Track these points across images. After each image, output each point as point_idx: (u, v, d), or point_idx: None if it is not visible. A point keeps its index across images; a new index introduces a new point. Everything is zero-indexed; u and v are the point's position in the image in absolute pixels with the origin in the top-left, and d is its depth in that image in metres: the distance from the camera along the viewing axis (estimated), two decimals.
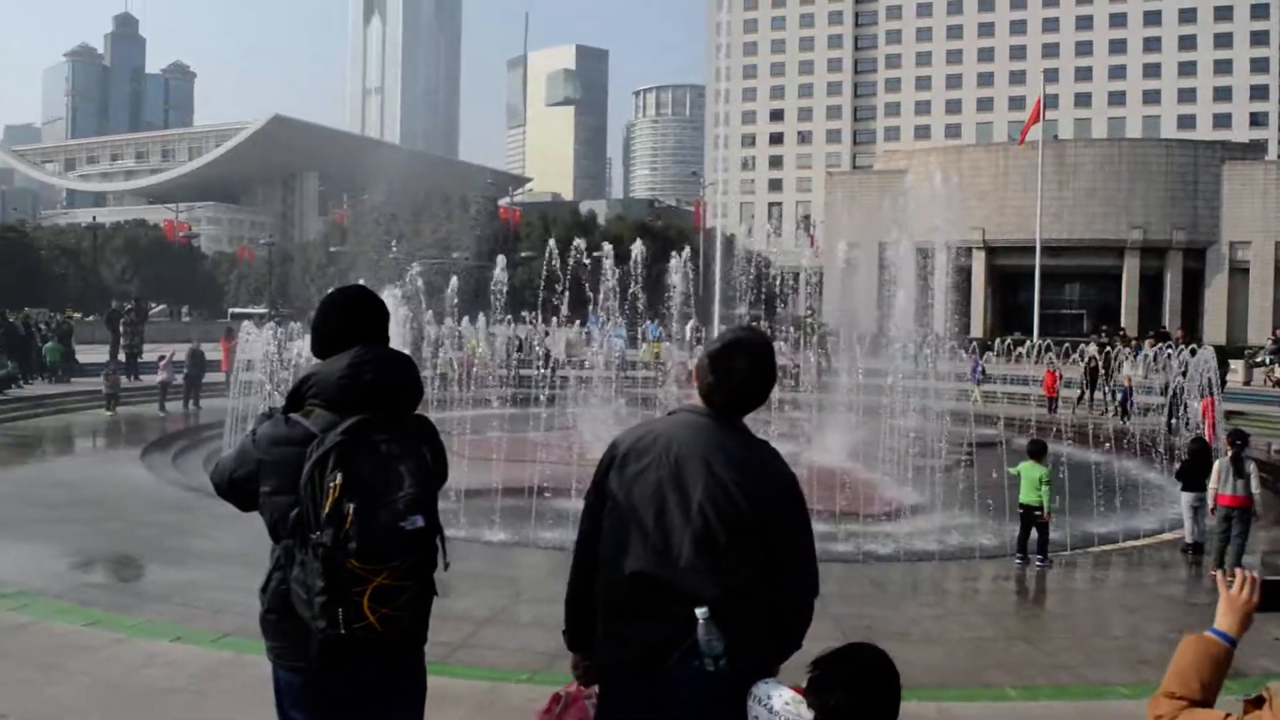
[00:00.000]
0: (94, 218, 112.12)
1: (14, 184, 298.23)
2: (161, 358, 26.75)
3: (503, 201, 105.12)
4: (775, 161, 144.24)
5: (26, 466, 17.39)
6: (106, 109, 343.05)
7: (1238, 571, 2.64)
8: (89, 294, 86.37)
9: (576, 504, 12.50)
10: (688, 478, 3.12)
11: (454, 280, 35.09)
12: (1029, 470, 12.01)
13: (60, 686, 6.53)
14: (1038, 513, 11.81)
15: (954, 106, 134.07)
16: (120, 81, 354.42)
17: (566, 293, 29.89)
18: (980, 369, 33.34)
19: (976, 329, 78.07)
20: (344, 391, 3.17)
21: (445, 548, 3.18)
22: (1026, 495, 11.93)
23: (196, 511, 13.80)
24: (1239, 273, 72.71)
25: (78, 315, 62.38)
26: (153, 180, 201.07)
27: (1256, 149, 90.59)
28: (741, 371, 3.20)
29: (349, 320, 3.38)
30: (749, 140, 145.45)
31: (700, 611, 2.98)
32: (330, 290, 3.53)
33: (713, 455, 3.14)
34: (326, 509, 2.92)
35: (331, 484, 2.93)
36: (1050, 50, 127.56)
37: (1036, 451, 12.21)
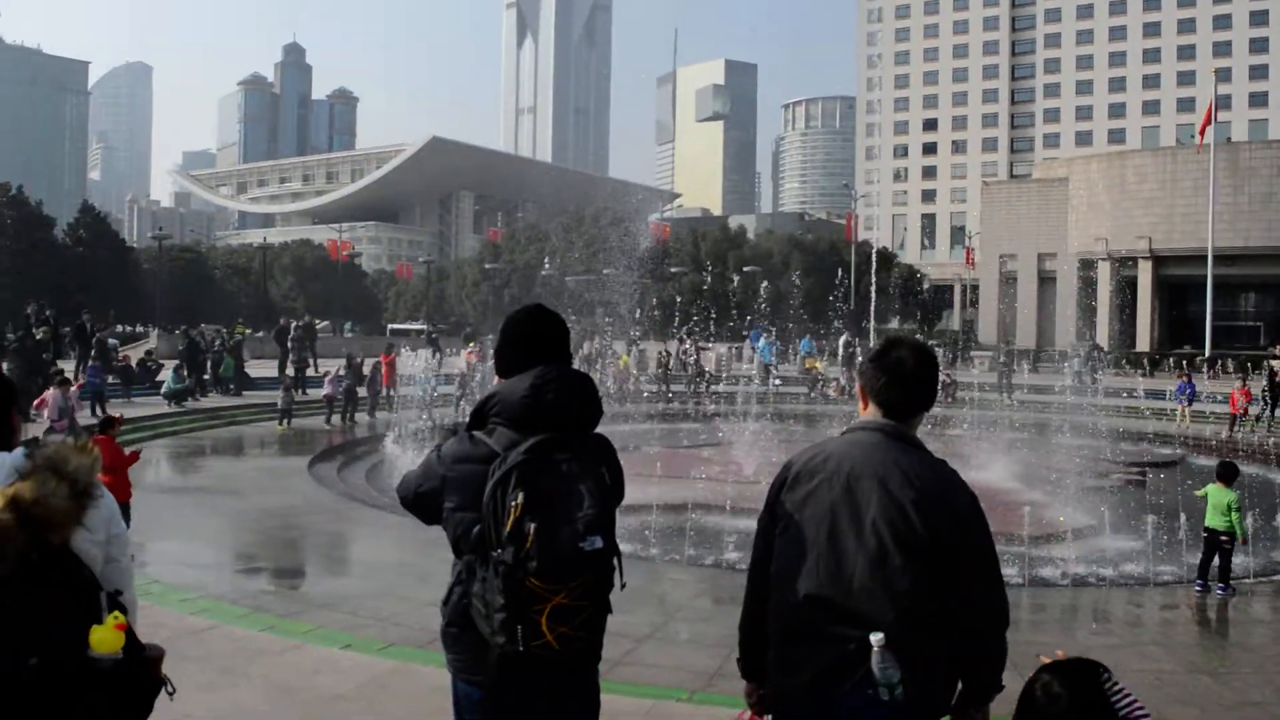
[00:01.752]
0: (264, 238, 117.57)
1: (191, 206, 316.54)
2: (327, 372, 27.77)
3: (653, 217, 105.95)
4: (929, 172, 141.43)
5: (202, 474, 18.26)
6: (276, 134, 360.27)
7: None
8: (258, 311, 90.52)
9: (730, 521, 12.41)
10: (860, 497, 3.04)
11: (605, 296, 35.49)
12: (1217, 494, 11.33)
13: (239, 690, 6.80)
14: (1224, 538, 11.16)
15: (1117, 111, 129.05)
16: (289, 108, 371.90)
17: (717, 308, 29.93)
18: (1190, 388, 31.41)
19: (1143, 343, 74.89)
20: (527, 410, 3.20)
21: (622, 567, 3.18)
22: (1212, 519, 11.27)
23: (360, 522, 14.26)
24: None
25: (248, 330, 65.46)
26: (318, 202, 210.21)
27: None
28: (908, 362, 3.18)
29: (531, 339, 3.43)
30: (901, 151, 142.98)
31: (876, 638, 2.88)
32: (512, 310, 3.59)
33: (888, 473, 3.04)
34: (508, 527, 2.96)
35: (513, 503, 2.97)
36: (1222, 49, 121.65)
37: (1227, 474, 11.50)
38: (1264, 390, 30.75)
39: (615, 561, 3.12)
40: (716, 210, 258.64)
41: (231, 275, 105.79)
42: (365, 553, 12.53)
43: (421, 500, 3.40)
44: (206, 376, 31.20)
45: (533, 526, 2.93)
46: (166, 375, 29.30)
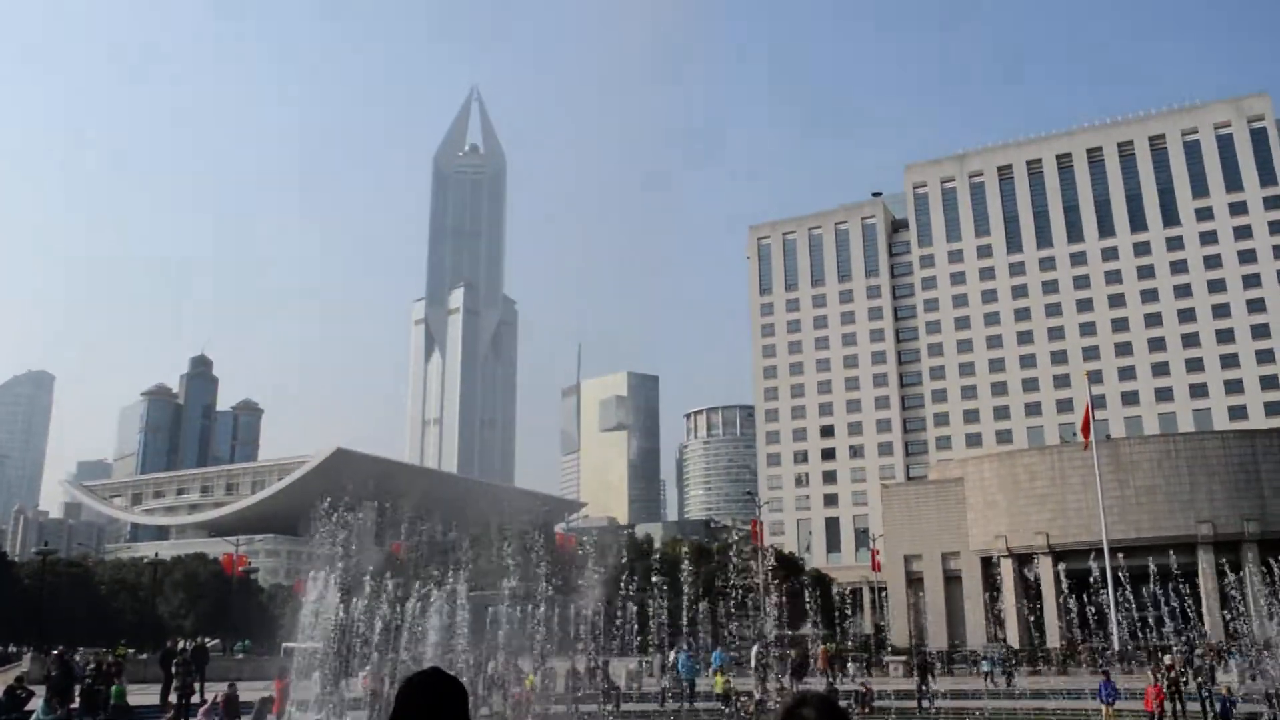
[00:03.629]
0: (156, 554, 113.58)
1: (81, 518, 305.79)
2: (204, 701, 26.08)
3: (559, 527, 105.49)
4: (829, 477, 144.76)
5: None
6: (177, 444, 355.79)
7: None
8: (145, 629, 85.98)
9: None
10: None
11: (509, 611, 34.52)
12: None
13: None
14: None
15: (1002, 413, 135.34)
16: (192, 418, 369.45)
17: (627, 623, 29.31)
18: (1110, 688, 31.31)
19: (1052, 637, 74.89)
20: None
21: None
22: None
23: None
24: None
25: (130, 652, 61.72)
26: (215, 514, 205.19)
27: None
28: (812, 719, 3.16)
29: (426, 706, 3.30)
30: (801, 457, 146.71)
31: None
32: (408, 676, 3.45)
33: None
34: None
35: None
36: (1091, 353, 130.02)
37: None
38: (1167, 686, 31.03)
39: None
40: (623, 519, 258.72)
41: (119, 591, 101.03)
42: None
43: None
44: (75, 705, 28.94)
45: None
46: (37, 705, 27.16)
